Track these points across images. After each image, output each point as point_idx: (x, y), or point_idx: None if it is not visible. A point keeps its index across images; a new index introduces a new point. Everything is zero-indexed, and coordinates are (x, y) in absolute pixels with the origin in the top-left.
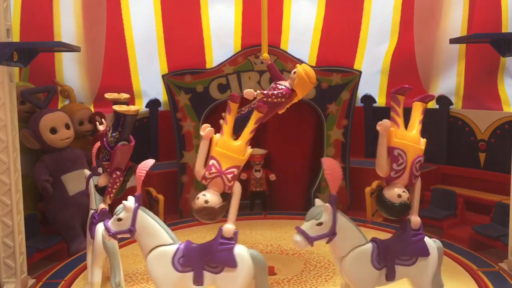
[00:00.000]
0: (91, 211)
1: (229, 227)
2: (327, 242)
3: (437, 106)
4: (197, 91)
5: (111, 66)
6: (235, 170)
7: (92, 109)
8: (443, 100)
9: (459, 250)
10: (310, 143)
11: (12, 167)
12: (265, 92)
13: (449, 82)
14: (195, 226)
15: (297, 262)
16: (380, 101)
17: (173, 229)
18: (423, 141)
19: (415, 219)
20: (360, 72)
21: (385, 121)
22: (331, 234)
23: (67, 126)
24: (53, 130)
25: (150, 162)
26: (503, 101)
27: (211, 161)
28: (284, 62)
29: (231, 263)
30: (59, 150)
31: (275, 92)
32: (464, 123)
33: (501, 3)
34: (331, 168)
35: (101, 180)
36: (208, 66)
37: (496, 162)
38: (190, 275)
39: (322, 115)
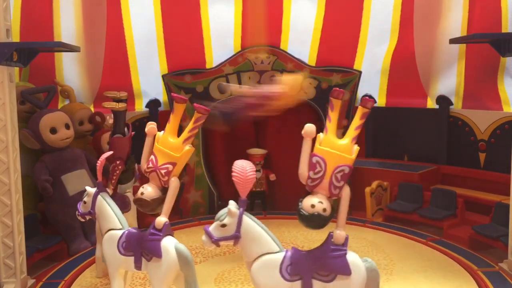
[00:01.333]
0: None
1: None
2: (234, 245)
3: (437, 106)
4: (197, 91)
5: (111, 66)
6: (169, 166)
7: (92, 109)
8: (443, 100)
9: (459, 250)
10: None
11: (12, 167)
12: (253, 90)
13: (449, 82)
14: (195, 226)
15: None
16: (380, 101)
17: (173, 229)
18: (355, 149)
19: (338, 234)
20: (360, 72)
21: (308, 126)
22: (234, 237)
23: (67, 126)
24: (53, 130)
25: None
26: (503, 101)
27: (151, 157)
28: (284, 62)
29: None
30: (59, 150)
31: (263, 93)
32: (464, 123)
33: (501, 3)
34: (241, 171)
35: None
36: (208, 66)
37: (496, 162)
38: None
39: (322, 115)
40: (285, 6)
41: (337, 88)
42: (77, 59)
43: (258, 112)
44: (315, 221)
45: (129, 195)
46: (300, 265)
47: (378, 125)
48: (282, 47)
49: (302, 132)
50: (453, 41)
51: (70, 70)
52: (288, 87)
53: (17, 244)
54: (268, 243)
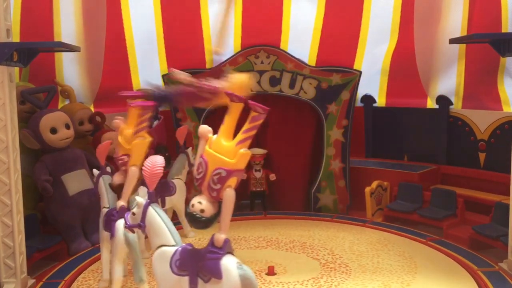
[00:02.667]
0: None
1: (219, 236)
2: (143, 233)
3: (437, 106)
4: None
5: (111, 66)
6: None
7: (92, 109)
8: (443, 100)
9: (459, 250)
10: (310, 143)
11: (12, 167)
12: (193, 80)
13: (449, 82)
14: None
15: (297, 262)
16: (380, 101)
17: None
18: (240, 153)
19: (217, 237)
20: (360, 72)
21: (201, 127)
22: (138, 226)
23: (67, 126)
24: (53, 130)
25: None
26: (503, 101)
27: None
28: (284, 62)
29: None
30: (59, 150)
31: (207, 86)
32: (464, 123)
33: (501, 3)
34: (151, 164)
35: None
36: (208, 66)
37: (496, 162)
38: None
39: (322, 115)
40: (285, 6)
41: (233, 93)
42: (77, 59)
43: (195, 103)
44: (192, 220)
45: (178, 181)
46: (186, 261)
47: (378, 125)
48: (282, 47)
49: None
50: (453, 41)
51: (70, 70)
52: (234, 86)
53: (17, 244)
54: (165, 235)
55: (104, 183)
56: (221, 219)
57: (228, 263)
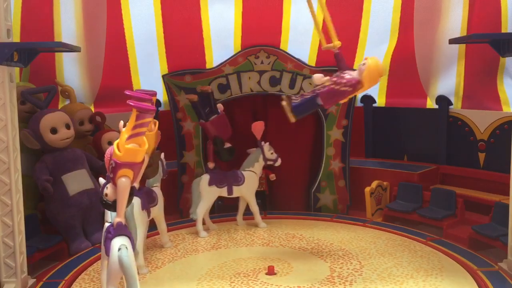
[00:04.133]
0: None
1: (114, 220)
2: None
3: (436, 106)
4: (197, 91)
5: (111, 66)
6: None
7: (93, 109)
8: (443, 100)
9: (458, 250)
10: (310, 143)
11: (13, 167)
12: (333, 79)
13: (448, 82)
14: (195, 226)
15: (297, 261)
16: (380, 101)
17: (173, 229)
18: (126, 147)
19: (114, 220)
20: None
21: (120, 122)
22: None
23: (68, 126)
24: (54, 130)
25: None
26: (503, 101)
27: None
28: (284, 62)
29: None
30: (59, 150)
31: (343, 80)
32: (464, 123)
33: (501, 3)
34: (107, 153)
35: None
36: (208, 66)
37: (495, 162)
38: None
39: (322, 115)
40: (285, 6)
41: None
42: (78, 59)
43: (337, 100)
44: (99, 202)
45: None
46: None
47: (378, 125)
48: (282, 47)
49: None
50: (452, 41)
51: (71, 70)
52: (371, 70)
53: (17, 243)
54: (107, 214)
55: None
56: (116, 205)
57: (114, 244)
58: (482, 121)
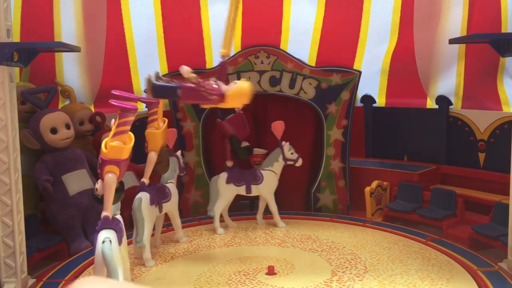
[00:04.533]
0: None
1: (102, 214)
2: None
3: (436, 106)
4: None
5: (111, 66)
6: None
7: (93, 109)
8: (443, 100)
9: (458, 250)
10: (310, 143)
11: (13, 167)
12: (201, 80)
13: (448, 82)
14: (194, 226)
15: (297, 261)
16: (380, 101)
17: (173, 228)
18: (110, 145)
19: (101, 214)
20: (360, 72)
21: (112, 121)
22: None
23: (68, 126)
24: (54, 130)
25: None
26: (503, 101)
27: None
28: (284, 62)
29: (94, 243)
30: (59, 150)
31: (210, 86)
32: (464, 123)
33: (501, 3)
34: None
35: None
36: (208, 66)
37: (495, 162)
38: None
39: (322, 115)
40: (285, 6)
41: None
42: (78, 59)
43: (195, 101)
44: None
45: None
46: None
47: (378, 125)
48: (282, 47)
49: None
50: (452, 41)
51: (71, 70)
52: (236, 91)
53: (17, 243)
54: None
55: None
56: (103, 201)
57: (100, 236)
58: (482, 121)
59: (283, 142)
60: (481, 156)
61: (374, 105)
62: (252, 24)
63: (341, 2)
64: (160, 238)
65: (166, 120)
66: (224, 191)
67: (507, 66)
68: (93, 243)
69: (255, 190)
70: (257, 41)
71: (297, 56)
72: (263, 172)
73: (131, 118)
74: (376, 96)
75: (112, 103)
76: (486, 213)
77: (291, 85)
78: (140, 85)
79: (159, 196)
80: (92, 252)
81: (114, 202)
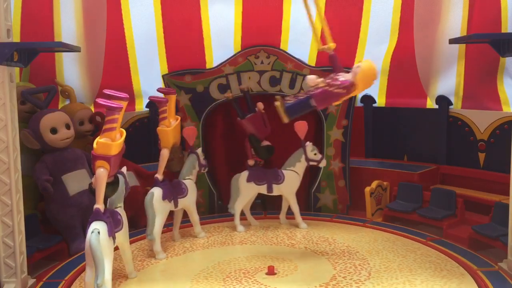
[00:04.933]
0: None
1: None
2: None
3: (436, 106)
4: (197, 91)
5: (111, 66)
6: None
7: (93, 109)
8: (443, 100)
9: (458, 250)
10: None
11: (13, 167)
12: (327, 80)
13: (448, 82)
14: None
15: (297, 261)
16: (380, 101)
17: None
18: (96, 141)
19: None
20: None
21: None
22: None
23: (68, 126)
24: (54, 130)
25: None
26: (503, 101)
27: None
28: (284, 62)
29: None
30: (59, 150)
31: (337, 82)
32: (464, 123)
33: (501, 3)
34: None
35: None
36: (208, 66)
37: (495, 162)
38: None
39: (322, 115)
40: (285, 6)
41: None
42: (78, 59)
43: (330, 102)
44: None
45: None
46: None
47: (378, 125)
48: (282, 47)
49: None
50: (452, 41)
51: (71, 70)
52: (364, 73)
53: (17, 243)
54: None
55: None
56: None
57: (90, 227)
58: (482, 121)
59: (307, 143)
60: (481, 156)
61: (374, 105)
62: (252, 24)
63: (341, 2)
64: (180, 233)
65: (179, 118)
66: (245, 189)
67: (507, 66)
68: None
69: (276, 190)
70: (257, 41)
71: (297, 56)
72: (284, 172)
73: (117, 116)
74: (376, 96)
75: (99, 102)
76: (486, 213)
77: (291, 85)
78: (140, 85)
79: (174, 191)
80: None
81: (109, 195)
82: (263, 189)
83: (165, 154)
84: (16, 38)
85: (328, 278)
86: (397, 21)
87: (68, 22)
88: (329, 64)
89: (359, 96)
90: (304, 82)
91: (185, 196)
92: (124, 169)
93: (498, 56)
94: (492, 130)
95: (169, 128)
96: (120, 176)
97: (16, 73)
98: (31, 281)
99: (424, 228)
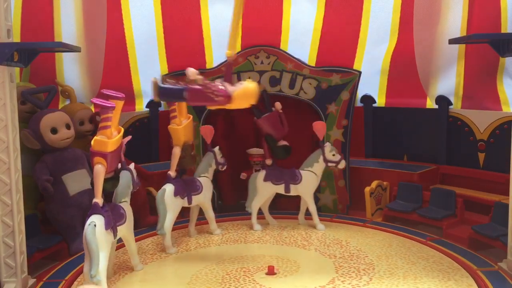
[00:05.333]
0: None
1: (93, 200)
2: None
3: (436, 106)
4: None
5: (111, 66)
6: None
7: (93, 109)
8: (443, 100)
9: (458, 250)
10: (310, 143)
11: (13, 167)
12: (207, 82)
13: (448, 82)
14: (195, 225)
15: (298, 262)
16: (380, 101)
17: (174, 228)
18: (94, 138)
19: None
20: (360, 72)
21: None
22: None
23: (68, 126)
24: (54, 130)
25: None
26: (502, 101)
27: None
28: (284, 63)
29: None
30: (59, 150)
31: (216, 88)
32: (464, 123)
33: (501, 3)
34: None
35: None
36: (208, 66)
37: (495, 162)
38: None
39: (322, 115)
40: (285, 6)
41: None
42: (78, 59)
43: (202, 103)
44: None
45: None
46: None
47: (378, 125)
48: (282, 47)
49: None
50: (452, 41)
51: (71, 70)
52: (242, 92)
53: (17, 243)
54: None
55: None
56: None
57: (88, 220)
58: (482, 121)
59: (326, 143)
60: (481, 156)
61: (374, 105)
62: (252, 24)
63: (341, 2)
64: (196, 229)
65: (191, 117)
66: (262, 189)
67: (507, 66)
68: None
69: (294, 190)
70: (257, 41)
71: (297, 56)
72: (302, 172)
73: (110, 115)
74: (376, 96)
75: (93, 101)
76: (486, 213)
77: (291, 85)
78: (140, 85)
79: (188, 188)
80: None
81: (109, 190)
82: (280, 189)
83: (176, 152)
84: (16, 38)
85: (326, 280)
86: (397, 21)
87: (68, 22)
88: (335, 62)
89: (359, 96)
90: (304, 82)
91: (200, 193)
92: (132, 166)
93: (498, 56)
94: (492, 130)
95: (180, 127)
96: (126, 172)
97: (16, 73)
98: (31, 281)
99: (424, 228)
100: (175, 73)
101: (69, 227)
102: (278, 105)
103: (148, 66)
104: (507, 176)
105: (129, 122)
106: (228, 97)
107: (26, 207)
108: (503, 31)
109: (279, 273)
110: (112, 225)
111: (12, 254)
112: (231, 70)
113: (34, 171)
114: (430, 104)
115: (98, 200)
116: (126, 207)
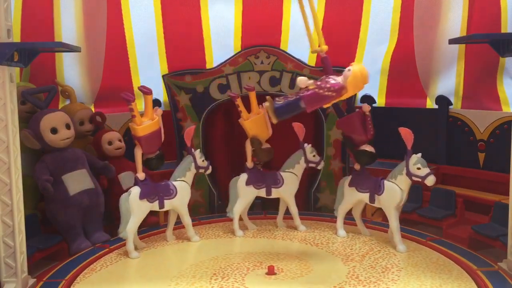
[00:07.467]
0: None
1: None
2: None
3: (436, 106)
4: (197, 91)
5: (112, 66)
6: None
7: (93, 109)
8: (443, 100)
9: (458, 250)
10: (310, 143)
11: (13, 167)
12: (317, 83)
13: (448, 82)
14: (195, 226)
15: (298, 261)
16: (380, 101)
17: (174, 228)
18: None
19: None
20: None
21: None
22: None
23: (68, 126)
24: (54, 130)
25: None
26: (502, 101)
27: None
28: (284, 63)
29: None
30: (59, 150)
31: (327, 85)
32: (464, 123)
33: (501, 3)
34: None
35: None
36: (208, 66)
37: (495, 162)
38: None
39: (322, 115)
40: (285, 6)
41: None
42: (78, 59)
43: (321, 104)
44: None
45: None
46: None
47: (378, 125)
48: (282, 47)
49: None
50: (452, 41)
51: (71, 70)
52: (355, 76)
53: (17, 243)
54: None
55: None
56: None
57: (130, 189)
58: (482, 121)
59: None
60: (481, 156)
61: (374, 105)
62: (252, 24)
63: (341, 2)
64: (173, 234)
65: (261, 112)
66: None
67: (507, 66)
68: (93, 243)
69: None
70: (257, 41)
71: (297, 56)
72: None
73: (133, 106)
74: (376, 96)
75: (121, 95)
76: (486, 213)
77: (291, 85)
78: (139, 85)
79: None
80: (92, 252)
81: (152, 167)
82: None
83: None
84: (16, 38)
85: (326, 280)
86: (397, 21)
87: (68, 22)
88: (335, 63)
89: (359, 96)
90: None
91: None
92: (197, 152)
93: (498, 56)
94: (492, 130)
95: (247, 121)
96: (188, 156)
97: (16, 73)
98: (31, 281)
99: (423, 228)
100: (175, 73)
101: (69, 227)
102: (366, 107)
103: (148, 66)
104: (507, 176)
105: (129, 122)
106: (343, 88)
107: (26, 207)
108: (503, 31)
109: (279, 273)
110: (148, 196)
111: (12, 254)
112: (329, 62)
113: (34, 171)
114: (430, 104)
115: (139, 175)
116: (181, 185)
